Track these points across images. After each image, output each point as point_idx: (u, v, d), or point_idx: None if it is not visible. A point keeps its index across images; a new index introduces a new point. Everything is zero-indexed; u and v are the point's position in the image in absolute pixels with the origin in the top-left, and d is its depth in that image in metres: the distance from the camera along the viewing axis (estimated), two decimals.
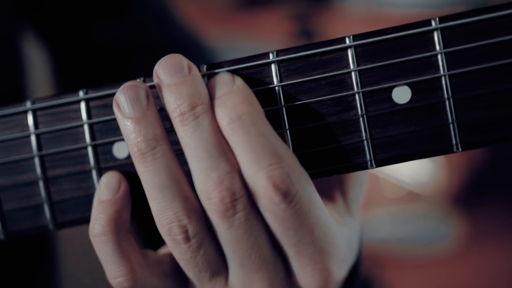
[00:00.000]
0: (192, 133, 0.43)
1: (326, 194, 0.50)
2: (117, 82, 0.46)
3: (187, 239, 0.44)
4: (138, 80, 0.46)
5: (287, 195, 0.42)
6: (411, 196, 1.85)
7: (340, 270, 0.47)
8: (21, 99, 0.74)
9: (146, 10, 0.80)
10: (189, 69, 0.44)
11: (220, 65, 0.45)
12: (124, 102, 0.43)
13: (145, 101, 0.43)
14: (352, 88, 0.44)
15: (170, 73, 0.43)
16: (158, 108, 0.45)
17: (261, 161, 0.42)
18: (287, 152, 0.43)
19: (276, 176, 0.42)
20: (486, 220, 1.80)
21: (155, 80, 0.44)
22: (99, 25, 0.77)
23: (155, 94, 0.45)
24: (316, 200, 0.44)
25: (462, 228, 1.75)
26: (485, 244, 1.74)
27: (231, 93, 0.43)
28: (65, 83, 0.81)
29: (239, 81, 0.44)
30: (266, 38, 1.85)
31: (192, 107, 0.43)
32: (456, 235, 1.74)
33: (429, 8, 1.75)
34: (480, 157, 1.81)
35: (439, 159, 1.80)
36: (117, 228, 0.45)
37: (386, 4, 1.79)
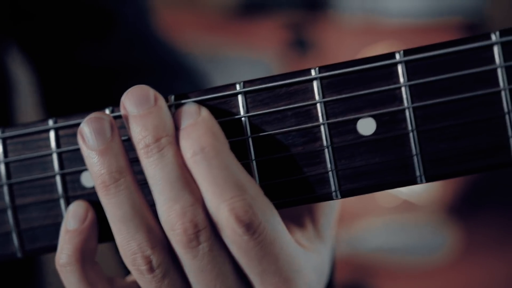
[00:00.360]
0: (156, 164, 0.43)
1: (296, 221, 0.50)
2: (87, 111, 0.46)
3: (151, 269, 0.44)
4: (107, 109, 0.46)
5: (250, 227, 0.43)
6: (406, 206, 1.85)
7: None
8: (7, 117, 0.74)
9: (131, 31, 0.80)
10: (155, 100, 0.44)
11: (187, 95, 0.46)
12: (89, 133, 0.43)
13: (109, 133, 0.44)
14: (318, 120, 0.44)
15: (136, 104, 0.44)
16: (126, 137, 0.45)
17: (224, 194, 0.43)
18: (250, 184, 0.44)
19: (238, 208, 0.42)
20: (481, 230, 1.79)
21: (122, 111, 0.44)
22: (83, 45, 0.78)
23: (122, 124, 0.45)
24: (281, 230, 0.45)
25: (456, 238, 1.74)
26: (479, 254, 1.74)
27: (195, 125, 0.44)
28: (51, 101, 0.81)
29: (204, 112, 0.44)
30: (261, 47, 1.85)
31: (157, 139, 0.43)
32: (451, 245, 1.74)
33: (423, 18, 1.75)
34: None
35: None
36: (82, 258, 0.45)
37: (381, 14, 1.79)
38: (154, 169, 0.43)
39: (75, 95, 0.79)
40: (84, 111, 0.46)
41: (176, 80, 0.80)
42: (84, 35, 0.78)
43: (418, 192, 1.85)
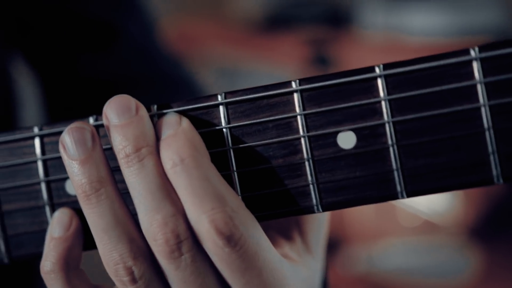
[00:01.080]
0: (137, 174, 0.43)
1: (284, 234, 0.50)
2: (72, 119, 0.47)
3: (133, 280, 0.44)
4: (91, 117, 0.47)
5: (230, 239, 0.42)
6: (427, 226, 1.82)
7: None
8: (12, 126, 0.76)
9: (133, 43, 0.81)
10: (137, 110, 0.44)
11: (169, 105, 0.46)
12: (69, 143, 0.44)
13: (90, 142, 0.44)
14: (298, 132, 0.44)
15: (118, 113, 0.44)
16: (109, 146, 0.45)
17: (204, 205, 0.42)
18: (231, 196, 0.43)
19: (218, 220, 0.42)
20: (503, 253, 1.75)
21: (104, 121, 0.45)
22: (86, 56, 0.79)
23: (106, 133, 0.46)
24: (263, 243, 0.44)
25: (478, 261, 1.71)
26: (501, 278, 1.70)
27: (175, 135, 0.44)
28: (55, 113, 0.82)
29: (185, 123, 0.44)
30: (282, 62, 1.86)
31: (137, 149, 0.43)
32: (472, 268, 1.70)
33: (447, 36, 1.74)
34: (498, 189, 1.78)
35: None
36: (66, 266, 0.46)
37: (405, 31, 1.78)
38: (134, 179, 0.44)
39: (78, 104, 0.80)
40: (69, 119, 0.47)
41: (178, 94, 0.81)
42: (87, 47, 0.79)
43: (439, 213, 1.82)
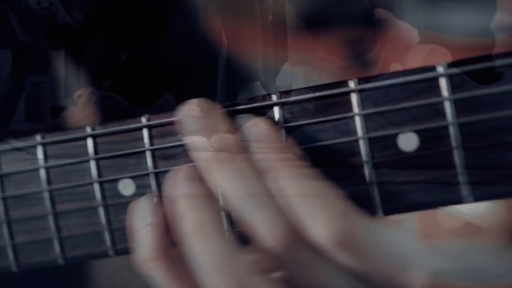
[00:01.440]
0: (230, 178, 0.43)
1: None
2: (123, 119, 0.47)
3: None
4: (143, 117, 0.47)
5: (346, 244, 0.42)
6: (468, 228, 1.78)
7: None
8: (57, 117, 0.76)
9: (181, 32, 0.81)
10: (212, 113, 0.44)
11: (235, 103, 0.45)
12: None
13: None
14: (356, 133, 0.43)
15: (195, 119, 0.44)
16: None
17: (314, 212, 0.42)
18: (337, 199, 0.43)
19: (331, 226, 0.42)
20: None
21: (181, 127, 0.45)
22: (133, 46, 0.79)
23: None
24: (377, 230, 0.44)
25: None
26: None
27: (271, 147, 0.43)
28: (102, 104, 0.82)
29: (266, 127, 0.44)
30: (321, 62, 1.84)
31: (221, 153, 0.43)
32: None
33: (490, 36, 1.70)
34: None
35: None
36: (163, 251, 0.45)
37: (445, 31, 1.75)
38: (229, 182, 0.43)
39: (126, 94, 0.80)
40: (120, 120, 0.47)
41: (225, 83, 0.81)
42: (134, 35, 0.79)
43: (482, 214, 1.78)
